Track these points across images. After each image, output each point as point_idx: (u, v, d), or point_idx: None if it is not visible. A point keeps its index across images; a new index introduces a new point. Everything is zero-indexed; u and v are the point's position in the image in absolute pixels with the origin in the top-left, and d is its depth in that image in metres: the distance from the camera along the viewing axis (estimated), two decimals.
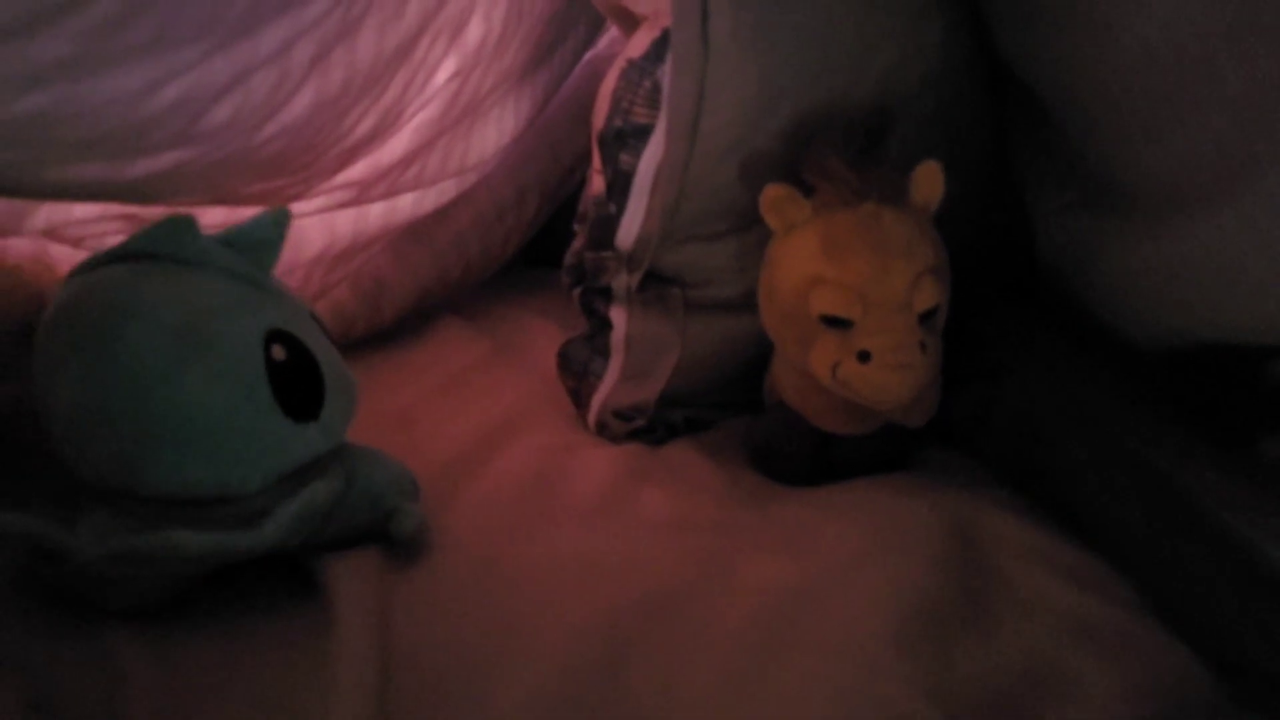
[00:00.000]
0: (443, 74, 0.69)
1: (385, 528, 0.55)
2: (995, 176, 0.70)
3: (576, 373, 0.68)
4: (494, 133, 0.79)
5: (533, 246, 0.96)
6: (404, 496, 0.57)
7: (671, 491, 0.62)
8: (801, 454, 0.63)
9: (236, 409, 0.49)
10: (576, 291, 0.68)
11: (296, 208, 0.68)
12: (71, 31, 0.42)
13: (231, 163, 0.58)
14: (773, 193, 0.59)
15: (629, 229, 0.64)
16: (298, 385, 0.52)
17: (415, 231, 0.85)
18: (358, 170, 0.70)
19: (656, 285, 0.66)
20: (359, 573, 0.53)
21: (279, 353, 0.51)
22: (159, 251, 0.52)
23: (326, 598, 0.50)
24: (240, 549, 0.49)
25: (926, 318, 0.58)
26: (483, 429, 0.70)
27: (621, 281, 0.65)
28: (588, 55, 0.87)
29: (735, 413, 0.69)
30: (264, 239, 0.54)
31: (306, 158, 0.64)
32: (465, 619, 0.51)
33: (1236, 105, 0.48)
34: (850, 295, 0.58)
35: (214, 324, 0.50)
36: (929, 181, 0.60)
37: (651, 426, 0.67)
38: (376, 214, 0.78)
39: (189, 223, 0.52)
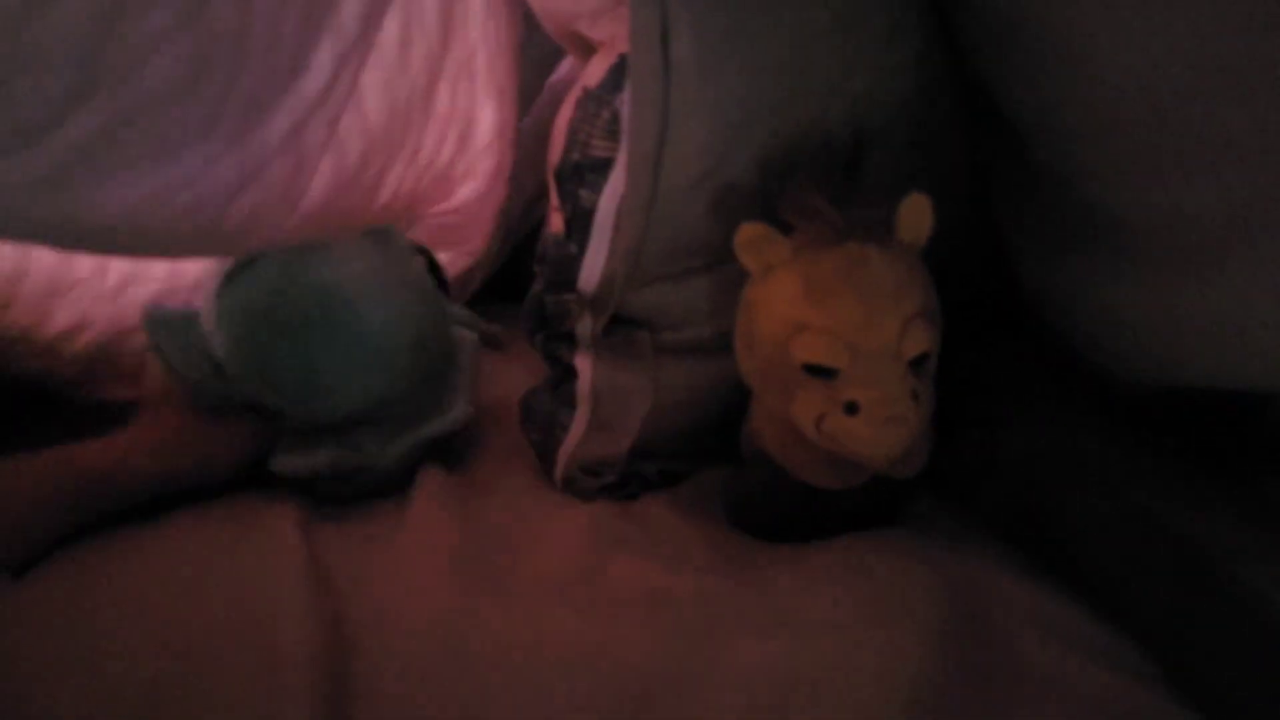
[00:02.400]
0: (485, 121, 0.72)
1: None
2: (978, 205, 0.66)
3: (541, 425, 0.63)
4: None
5: (494, 282, 0.91)
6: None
7: (646, 558, 0.57)
8: (785, 510, 0.58)
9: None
10: (538, 337, 0.63)
11: None
12: (57, 148, 0.42)
13: (266, 242, 0.60)
14: (748, 232, 0.55)
15: (591, 270, 0.59)
16: None
17: None
18: None
19: (624, 329, 0.61)
20: (308, 659, 0.48)
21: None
22: None
23: (278, 680, 0.46)
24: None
25: (917, 364, 0.54)
26: (440, 484, 0.64)
27: (586, 326, 0.60)
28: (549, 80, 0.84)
29: (712, 462, 0.64)
30: None
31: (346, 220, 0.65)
32: (424, 712, 0.46)
33: (1242, 151, 0.44)
34: (836, 343, 0.53)
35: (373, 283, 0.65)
36: (916, 216, 0.55)
37: (623, 481, 0.62)
38: None
39: None
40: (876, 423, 0.52)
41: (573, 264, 0.59)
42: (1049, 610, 0.50)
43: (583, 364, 0.61)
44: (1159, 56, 0.46)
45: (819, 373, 0.54)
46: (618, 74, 0.55)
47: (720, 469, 0.63)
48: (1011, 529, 0.56)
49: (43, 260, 0.72)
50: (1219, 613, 0.47)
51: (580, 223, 0.58)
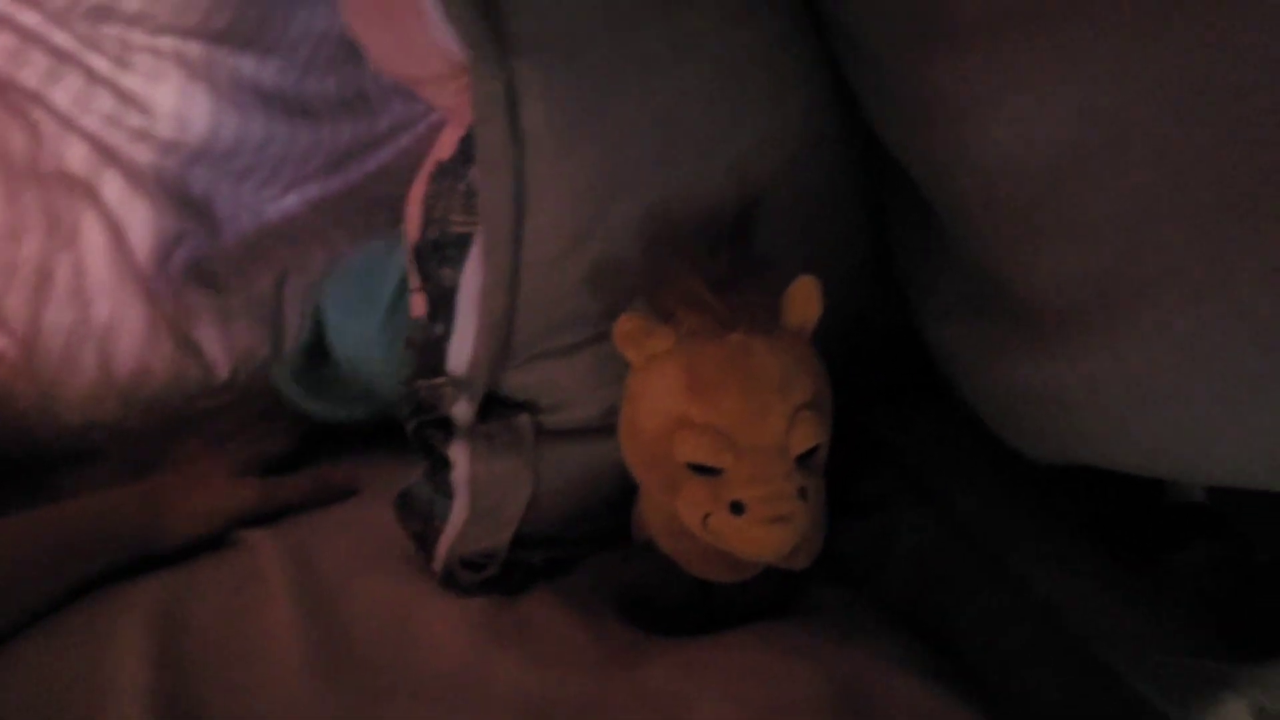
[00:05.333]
0: None
1: None
2: (879, 270, 0.63)
3: (420, 515, 0.59)
4: None
5: None
6: None
7: (531, 658, 0.54)
8: (675, 604, 0.56)
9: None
10: (411, 425, 0.58)
11: None
12: None
13: None
14: (626, 326, 0.51)
15: (460, 352, 0.54)
16: None
17: None
18: None
19: (503, 412, 0.57)
20: None
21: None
22: None
23: None
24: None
25: (806, 457, 0.52)
26: (308, 575, 0.59)
27: (461, 412, 0.56)
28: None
29: (601, 546, 0.61)
30: None
31: None
32: None
33: (1111, 227, 0.42)
34: (719, 441, 0.50)
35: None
36: (804, 300, 0.52)
37: (506, 573, 0.59)
38: None
39: None
40: (763, 523, 0.50)
41: (440, 347, 0.55)
42: (936, 710, 0.49)
43: (458, 452, 0.56)
44: (1029, 129, 0.44)
45: (703, 470, 0.51)
46: (469, 146, 0.50)
47: (611, 553, 0.60)
48: (907, 617, 0.54)
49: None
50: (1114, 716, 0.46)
51: (444, 303, 0.54)
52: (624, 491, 0.58)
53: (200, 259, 0.77)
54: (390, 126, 0.88)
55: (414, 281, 0.55)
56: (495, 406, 0.57)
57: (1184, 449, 0.42)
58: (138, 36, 0.73)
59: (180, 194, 0.76)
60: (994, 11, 0.44)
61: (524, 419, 0.56)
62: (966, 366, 0.56)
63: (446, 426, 0.57)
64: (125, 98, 0.74)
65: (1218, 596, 0.57)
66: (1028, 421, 0.53)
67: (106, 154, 0.73)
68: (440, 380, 0.56)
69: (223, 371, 0.76)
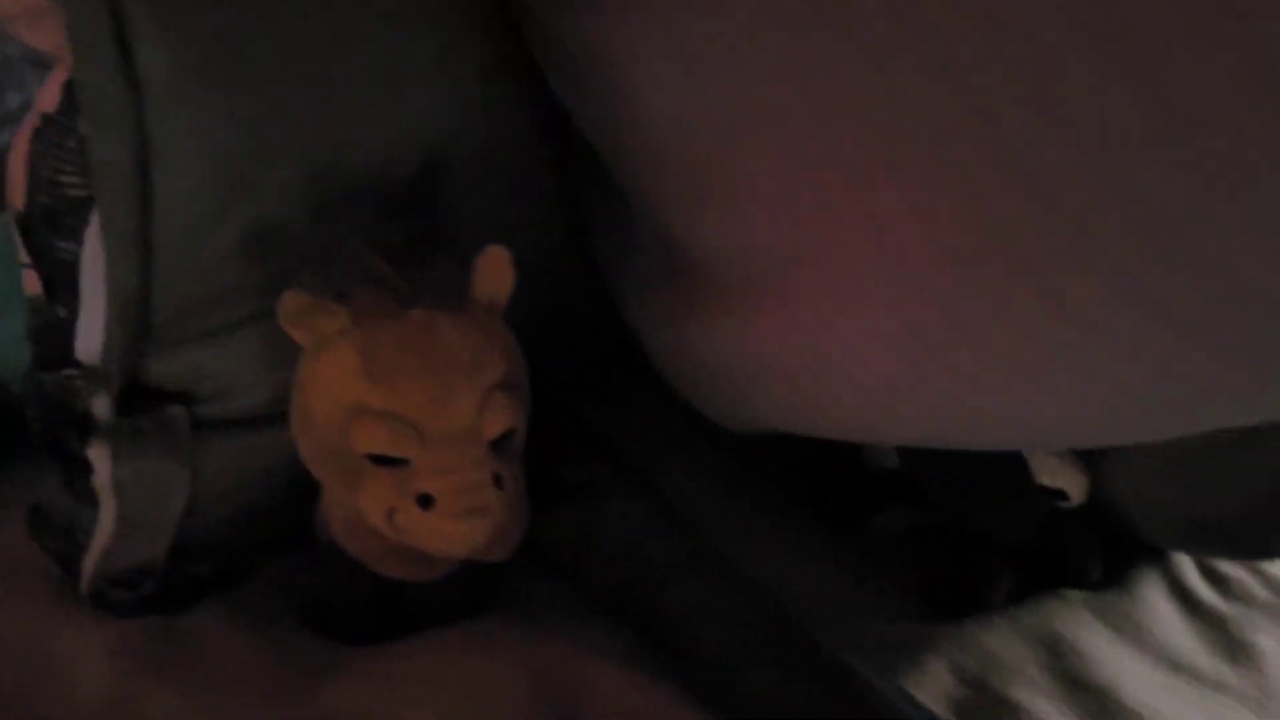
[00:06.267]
0: None
1: None
2: (575, 239, 0.60)
3: (60, 531, 0.50)
4: None
5: None
6: None
7: (194, 686, 0.47)
8: (364, 610, 0.51)
9: None
10: (40, 426, 0.49)
11: None
12: None
13: None
14: (291, 303, 0.45)
15: (89, 337, 0.46)
16: None
17: None
18: None
19: (151, 405, 0.49)
20: None
21: None
22: None
23: None
24: None
25: (501, 443, 0.48)
26: None
27: (99, 406, 0.47)
28: None
29: (281, 552, 0.54)
30: None
31: None
32: None
33: (771, 190, 0.42)
34: (402, 429, 0.45)
35: None
36: (494, 272, 0.48)
37: (168, 588, 0.51)
38: None
39: None
40: (454, 516, 0.46)
41: (65, 331, 0.46)
42: (641, 702, 0.48)
43: (98, 454, 0.47)
44: (684, 97, 0.43)
45: (386, 461, 0.46)
46: (74, 93, 0.42)
47: (293, 557, 0.54)
48: (616, 606, 0.52)
49: None
50: (820, 697, 0.46)
51: (64, 280, 0.45)
52: (304, 489, 0.52)
53: None
54: (22, 105, 0.75)
55: (23, 256, 0.45)
56: (140, 398, 0.48)
57: (867, 412, 0.43)
58: None
59: None
60: None
61: (176, 411, 0.48)
62: (658, 340, 0.55)
63: (83, 425, 0.49)
64: None
65: (917, 561, 0.60)
66: (716, 392, 0.53)
67: None
68: (70, 371, 0.47)
69: None
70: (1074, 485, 0.55)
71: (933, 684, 0.50)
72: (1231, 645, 0.55)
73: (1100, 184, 0.30)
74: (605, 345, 0.63)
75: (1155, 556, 0.61)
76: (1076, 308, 0.33)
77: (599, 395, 0.62)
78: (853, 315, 0.40)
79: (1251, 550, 0.57)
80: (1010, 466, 0.55)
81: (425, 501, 0.46)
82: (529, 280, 0.49)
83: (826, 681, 0.45)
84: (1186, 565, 0.61)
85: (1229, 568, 0.61)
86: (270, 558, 0.54)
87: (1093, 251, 0.32)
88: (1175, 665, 0.54)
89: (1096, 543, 0.59)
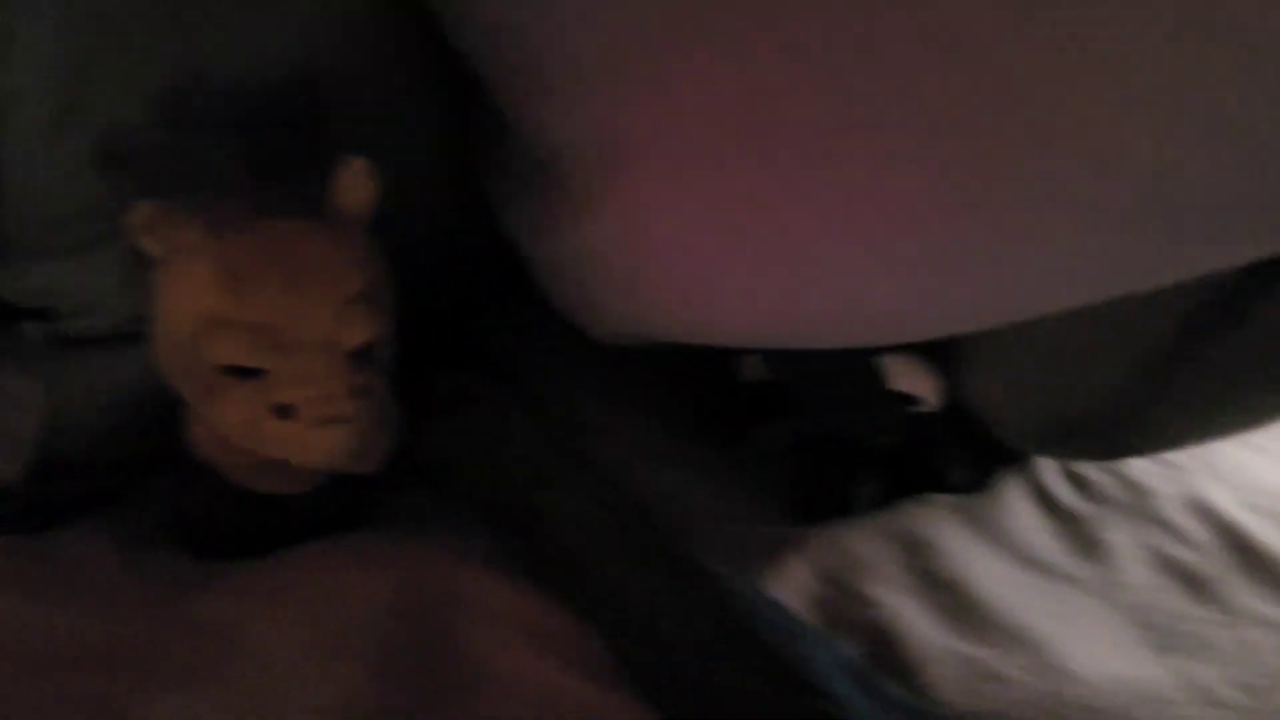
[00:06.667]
0: None
1: None
2: (458, 159, 0.60)
3: None
4: None
5: None
6: None
7: (55, 603, 0.47)
8: (233, 525, 0.51)
9: None
10: None
11: None
12: None
13: None
14: (142, 215, 0.44)
15: None
16: None
17: None
18: None
19: (3, 321, 0.48)
20: None
21: None
22: None
23: None
24: None
25: (362, 354, 0.48)
26: None
27: None
28: None
29: (152, 470, 0.54)
30: None
31: None
32: None
33: (598, 76, 0.42)
34: (257, 339, 0.45)
35: None
36: (354, 184, 0.48)
37: (32, 509, 0.51)
38: None
39: None
40: (313, 426, 0.46)
41: None
42: (507, 606, 0.48)
43: None
44: None
45: (243, 373, 0.46)
46: None
47: (164, 475, 0.54)
48: (484, 517, 0.53)
49: None
50: (682, 598, 0.47)
51: None
52: (173, 405, 0.52)
53: None
54: None
55: None
56: None
57: (695, 309, 0.44)
58: None
59: None
60: None
61: (30, 326, 0.48)
62: (532, 252, 0.55)
63: None
64: None
65: (787, 469, 0.62)
66: (580, 299, 0.53)
67: None
68: None
69: None
70: (927, 388, 0.57)
71: (793, 581, 0.52)
72: (1085, 542, 0.58)
73: (940, 53, 0.30)
74: (494, 266, 0.63)
75: (1021, 462, 0.64)
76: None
77: (497, 314, 0.62)
78: (673, 208, 0.40)
79: (1110, 449, 0.59)
80: (861, 370, 0.56)
81: (284, 412, 0.46)
82: (407, 199, 0.49)
83: (679, 577, 0.46)
84: (1050, 469, 0.64)
85: (1089, 470, 0.64)
86: (143, 476, 0.54)
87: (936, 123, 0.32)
88: (1029, 561, 0.56)
89: (963, 449, 0.61)
